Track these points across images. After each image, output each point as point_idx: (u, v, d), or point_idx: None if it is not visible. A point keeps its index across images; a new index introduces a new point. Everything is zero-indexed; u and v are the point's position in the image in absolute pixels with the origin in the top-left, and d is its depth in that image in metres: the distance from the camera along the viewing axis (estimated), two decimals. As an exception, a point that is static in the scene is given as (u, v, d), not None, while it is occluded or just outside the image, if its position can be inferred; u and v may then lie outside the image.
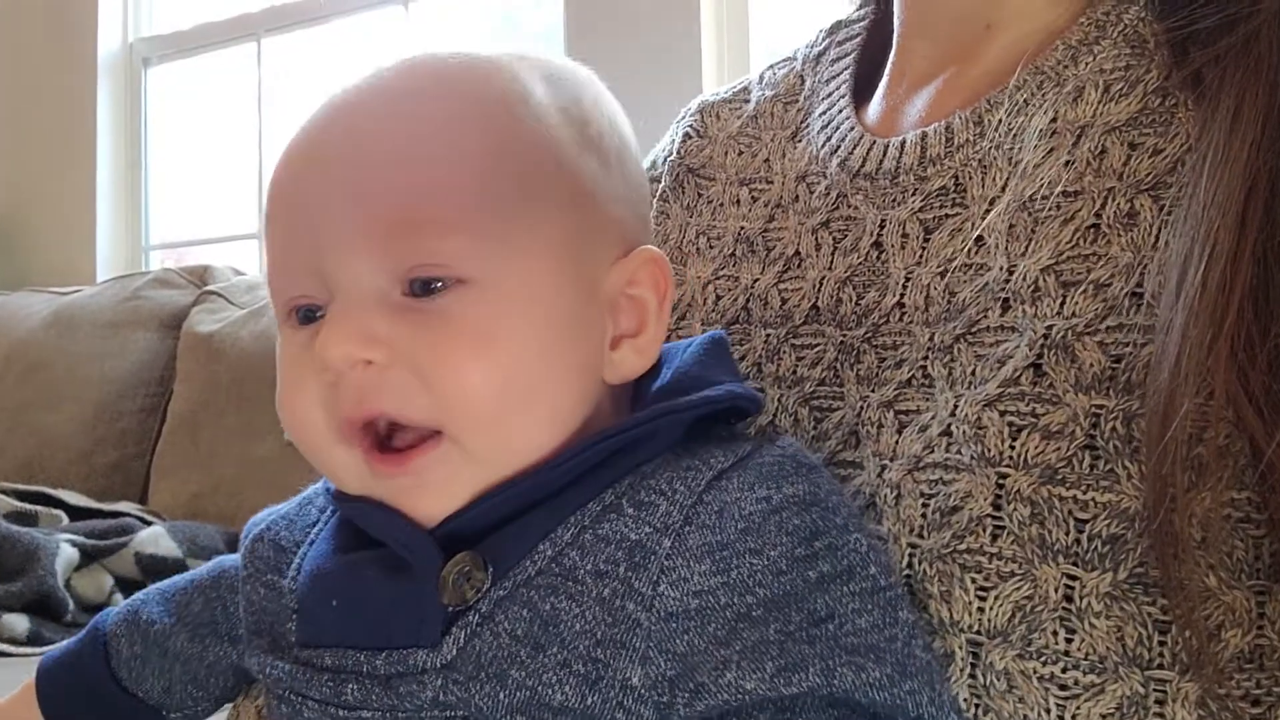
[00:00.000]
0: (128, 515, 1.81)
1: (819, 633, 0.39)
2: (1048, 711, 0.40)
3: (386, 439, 0.44)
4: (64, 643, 0.59)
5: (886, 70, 0.63)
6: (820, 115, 0.64)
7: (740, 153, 0.68)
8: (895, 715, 0.39)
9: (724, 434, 0.48)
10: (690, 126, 0.72)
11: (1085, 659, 0.40)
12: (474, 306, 0.43)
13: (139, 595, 0.58)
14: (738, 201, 0.65)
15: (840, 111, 0.63)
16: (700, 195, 0.67)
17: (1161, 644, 0.39)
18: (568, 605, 0.41)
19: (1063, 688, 0.40)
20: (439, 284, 0.43)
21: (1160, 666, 0.39)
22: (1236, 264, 0.40)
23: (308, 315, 0.46)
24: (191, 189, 2.97)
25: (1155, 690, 0.39)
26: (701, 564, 0.40)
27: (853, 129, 0.61)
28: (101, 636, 0.57)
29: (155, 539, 1.67)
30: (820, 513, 0.42)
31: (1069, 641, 0.40)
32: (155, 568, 1.64)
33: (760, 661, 0.39)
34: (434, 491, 0.44)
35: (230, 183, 2.86)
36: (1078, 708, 0.40)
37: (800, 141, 0.65)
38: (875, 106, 0.63)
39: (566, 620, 0.41)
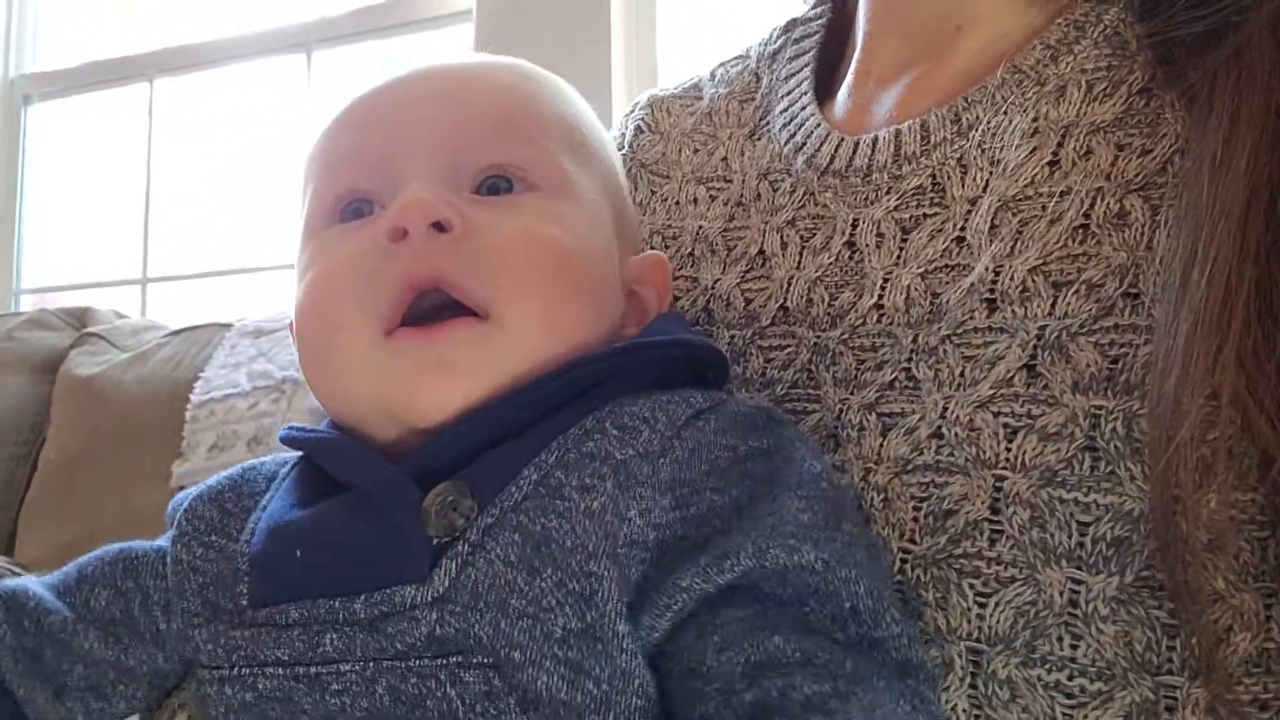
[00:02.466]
0: (-6, 567, 1.69)
1: (757, 526, 0.39)
2: None
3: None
4: None
5: (852, 68, 0.62)
6: (782, 113, 0.63)
7: (696, 150, 0.67)
8: (827, 602, 0.38)
9: (696, 385, 0.48)
10: (641, 121, 0.71)
11: (1092, 665, 0.39)
12: (542, 207, 0.46)
13: (11, 581, 0.49)
14: (695, 200, 0.64)
15: (804, 109, 0.62)
16: (654, 193, 0.66)
17: (1170, 649, 0.38)
18: (558, 523, 0.40)
19: (1069, 696, 0.39)
20: (508, 186, 0.46)
21: (1169, 672, 0.38)
22: (1240, 271, 0.40)
23: (356, 212, 0.47)
24: (71, 232, 2.85)
25: (1165, 697, 0.38)
26: (665, 497, 0.40)
27: (818, 125, 0.60)
28: None
29: (26, 590, 1.56)
30: (782, 459, 0.42)
31: (1075, 648, 0.39)
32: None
33: (696, 559, 0.39)
34: (458, 373, 0.42)
35: (113, 227, 2.75)
36: (1085, 716, 0.39)
37: (760, 139, 0.64)
38: (841, 104, 0.62)
39: (558, 539, 0.39)
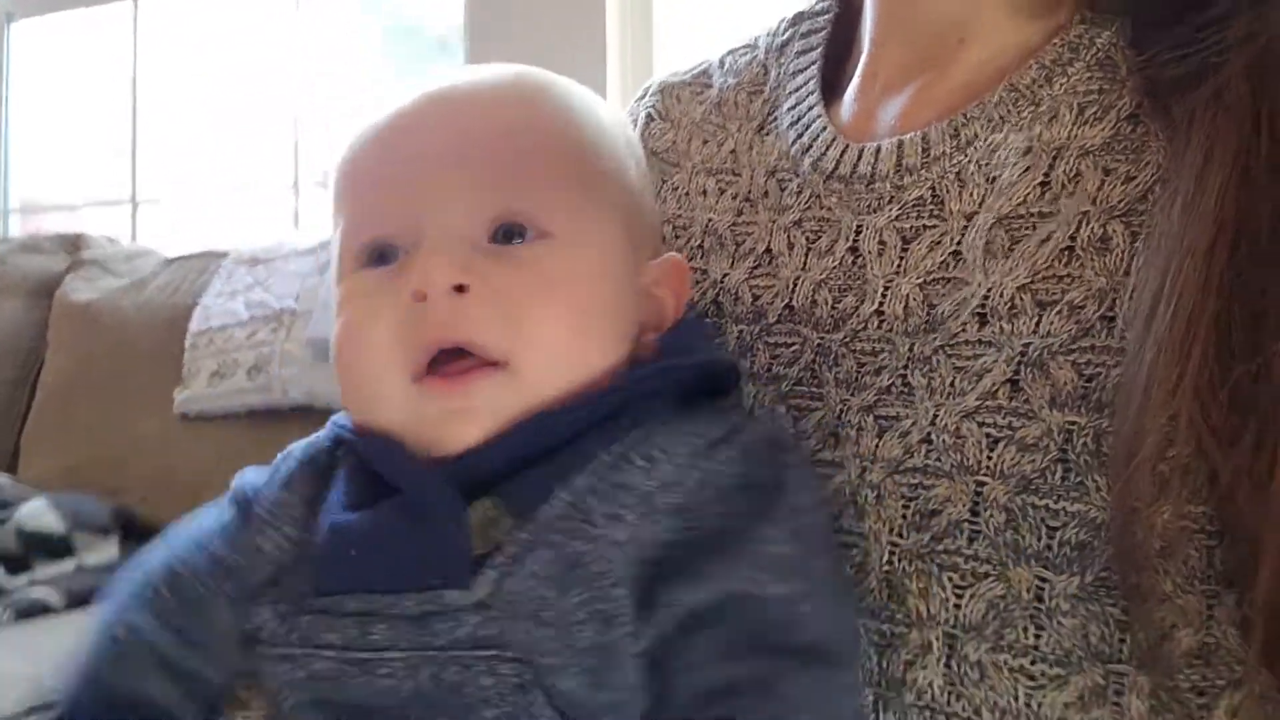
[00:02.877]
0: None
1: (738, 551, 0.44)
2: (1016, 699, 0.44)
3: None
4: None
5: (858, 71, 0.64)
6: (789, 110, 0.65)
7: (705, 141, 0.69)
8: (792, 630, 0.43)
9: (714, 406, 0.52)
10: (652, 109, 0.73)
11: (1052, 653, 0.44)
12: (554, 256, 0.49)
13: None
14: (704, 192, 0.66)
15: (811, 109, 0.64)
16: (665, 181, 0.69)
17: (1121, 641, 0.43)
18: (588, 548, 0.44)
19: (1030, 678, 0.44)
20: (521, 236, 0.49)
21: (1119, 661, 0.43)
22: (1203, 306, 0.43)
23: (382, 257, 0.50)
24: (58, 151, 2.84)
25: (1114, 682, 0.43)
26: (676, 521, 0.45)
27: (825, 129, 0.62)
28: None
29: (38, 513, 1.62)
30: (780, 494, 0.46)
31: (1038, 637, 0.44)
32: (38, 543, 1.59)
33: (675, 580, 0.43)
34: (477, 416, 0.47)
35: (101, 146, 2.74)
36: (1044, 696, 0.44)
37: (769, 135, 0.66)
38: (847, 108, 0.64)
39: (586, 562, 0.43)
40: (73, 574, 1.62)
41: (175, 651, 0.52)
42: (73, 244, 2.32)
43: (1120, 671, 0.43)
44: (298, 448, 0.55)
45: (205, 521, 0.55)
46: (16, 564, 1.57)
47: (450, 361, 0.47)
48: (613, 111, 0.58)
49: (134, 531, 1.73)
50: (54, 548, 1.60)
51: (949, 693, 0.46)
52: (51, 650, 1.39)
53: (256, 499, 0.53)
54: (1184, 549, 0.43)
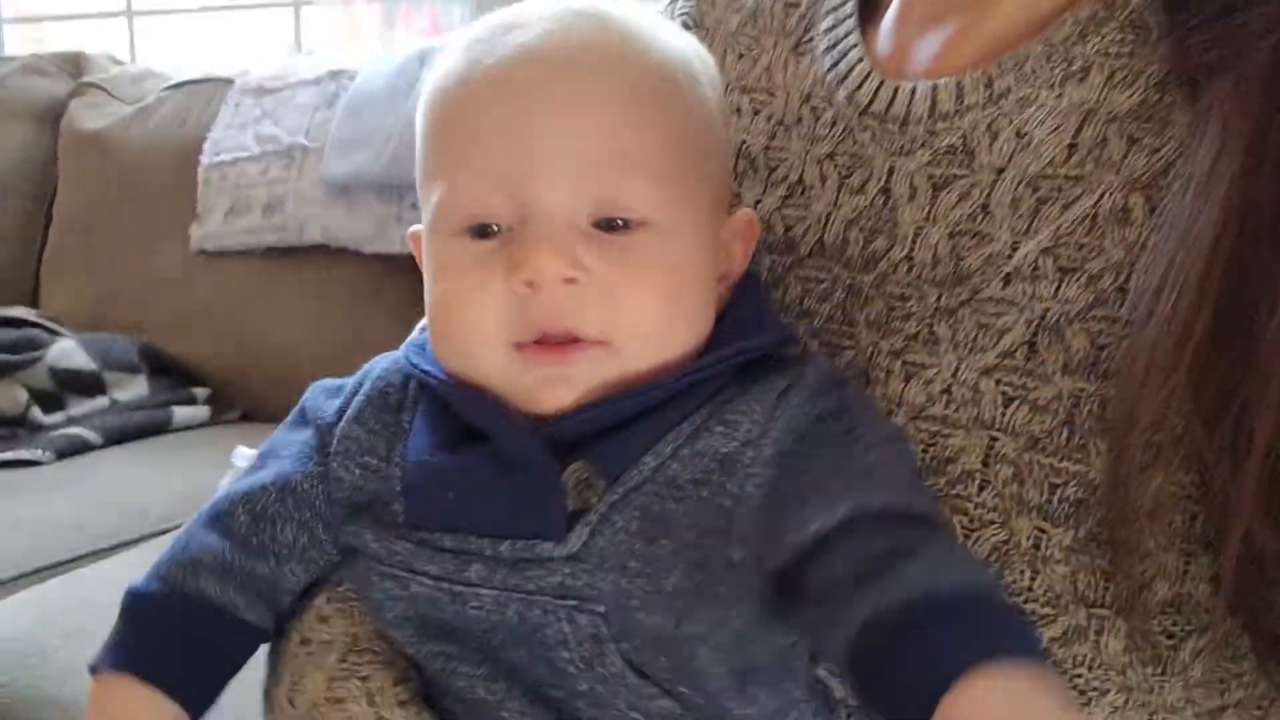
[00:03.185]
0: (30, 324, 1.79)
1: (861, 473, 0.48)
2: None
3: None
4: (114, 635, 0.55)
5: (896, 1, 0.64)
6: (826, 33, 0.65)
7: (741, 55, 0.69)
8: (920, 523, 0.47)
9: (773, 363, 0.55)
10: (687, 15, 0.72)
11: (1044, 595, 0.49)
12: (655, 244, 0.51)
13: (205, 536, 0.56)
14: (739, 111, 0.67)
15: (848, 35, 0.64)
16: None
17: (1105, 589, 0.49)
18: (675, 507, 0.48)
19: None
20: (623, 223, 0.50)
21: (1101, 606, 0.49)
22: (1202, 297, 0.46)
23: (482, 231, 0.51)
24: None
25: (1095, 623, 0.49)
26: (771, 469, 0.49)
27: (860, 60, 0.62)
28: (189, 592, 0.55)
29: (68, 353, 1.67)
30: (850, 418, 0.51)
31: (1033, 580, 0.50)
32: (70, 381, 1.65)
33: (817, 503, 0.47)
34: (575, 385, 0.50)
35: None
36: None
37: (804, 56, 0.66)
38: (884, 38, 0.64)
39: (674, 518, 0.48)
40: (107, 409, 1.68)
41: (243, 563, 0.55)
42: (74, 64, 2.28)
43: (1101, 615, 0.49)
44: (370, 375, 0.58)
45: (282, 441, 0.59)
46: (51, 402, 1.63)
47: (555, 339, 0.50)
48: (692, 44, 0.57)
49: (159, 368, 1.79)
50: (85, 385, 1.65)
51: None
52: (95, 492, 1.48)
53: (330, 431, 0.56)
54: (1170, 512, 0.48)
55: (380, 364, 0.59)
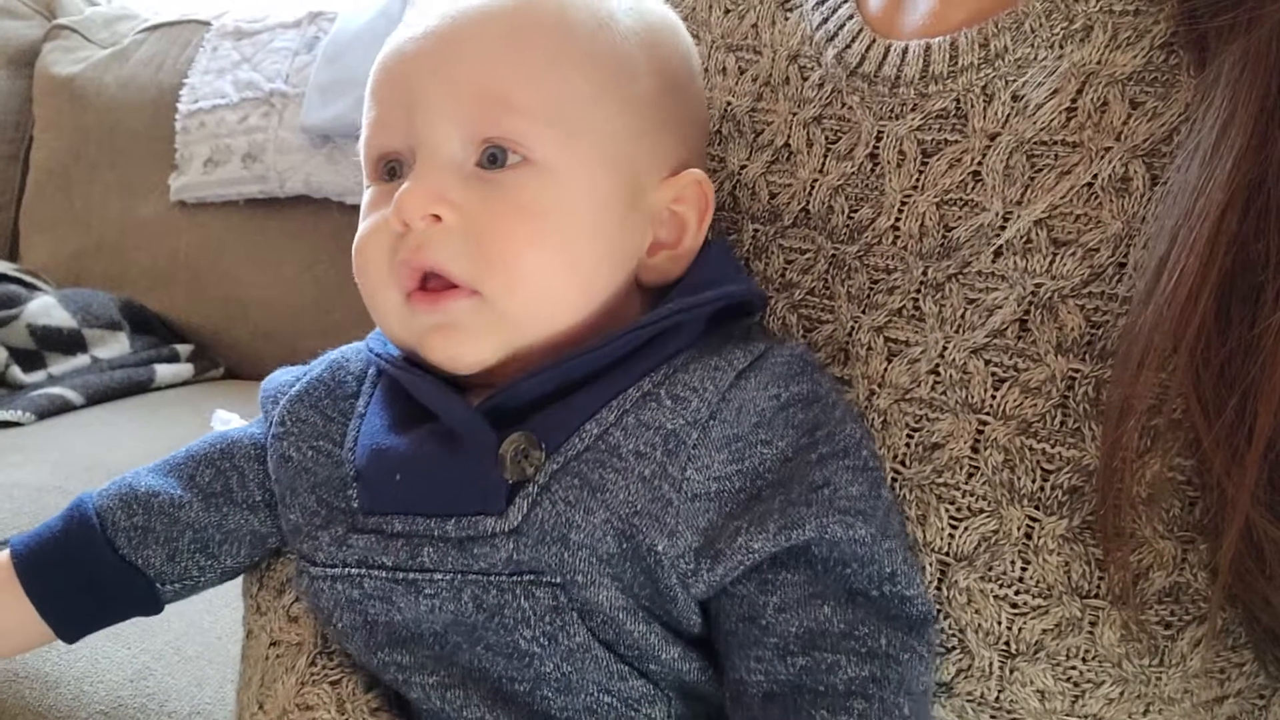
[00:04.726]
0: (8, 279, 1.75)
1: (815, 497, 0.47)
2: (999, 623, 0.48)
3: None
4: (35, 529, 0.57)
5: None
6: None
7: (727, 10, 0.67)
8: (869, 566, 0.47)
9: (738, 331, 0.54)
10: None
11: (1036, 586, 0.48)
12: (534, 185, 0.50)
13: (123, 476, 0.58)
14: (724, 70, 0.65)
15: None
16: None
17: (1100, 579, 0.47)
18: (613, 477, 0.47)
19: (1014, 606, 0.48)
20: (507, 159, 0.50)
21: (1095, 596, 0.47)
22: (1204, 279, 0.44)
23: (391, 171, 0.52)
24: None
25: (1089, 615, 0.47)
26: (720, 454, 0.47)
27: (851, 17, 0.60)
28: (89, 511, 0.56)
29: (47, 309, 1.64)
30: (821, 408, 0.49)
31: (1024, 570, 0.48)
32: (50, 339, 1.62)
33: (765, 524, 0.46)
34: (464, 336, 0.49)
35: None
36: (1024, 622, 0.48)
37: (792, 12, 0.64)
38: None
39: (612, 490, 0.47)
40: (88, 368, 1.65)
41: (200, 514, 0.57)
42: (46, 5, 2.23)
43: (1096, 606, 0.47)
44: (326, 359, 0.58)
45: (251, 427, 0.59)
46: (32, 360, 1.60)
47: (437, 281, 0.50)
48: (646, 15, 0.55)
49: (141, 324, 1.76)
50: (65, 342, 1.62)
51: (937, 612, 0.50)
52: (77, 454, 1.45)
53: (272, 402, 0.57)
54: (1167, 499, 0.46)
55: (340, 350, 0.59)
